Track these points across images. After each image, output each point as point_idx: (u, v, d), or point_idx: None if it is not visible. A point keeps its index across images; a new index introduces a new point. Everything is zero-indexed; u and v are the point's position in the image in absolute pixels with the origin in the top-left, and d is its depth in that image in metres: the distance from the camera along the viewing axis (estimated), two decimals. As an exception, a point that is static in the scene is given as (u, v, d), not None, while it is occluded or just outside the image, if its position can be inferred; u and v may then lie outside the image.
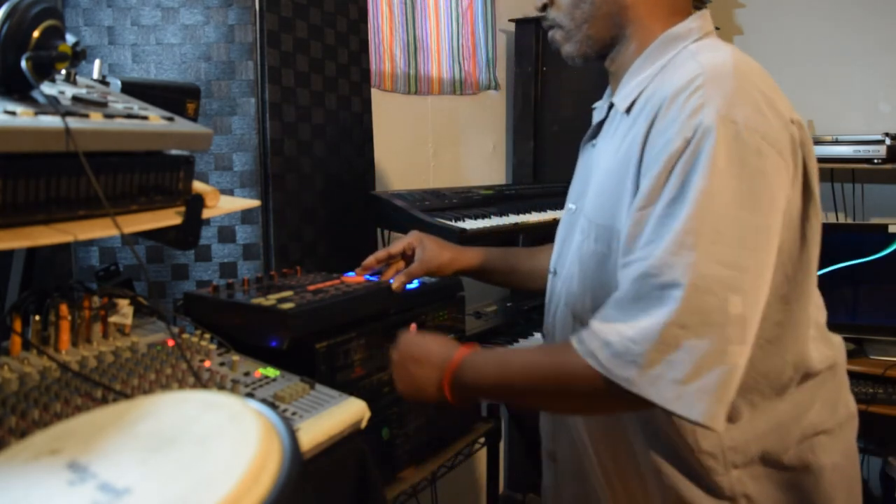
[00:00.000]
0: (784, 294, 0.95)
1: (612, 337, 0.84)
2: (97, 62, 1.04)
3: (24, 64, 0.70)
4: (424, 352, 1.04)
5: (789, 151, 0.89)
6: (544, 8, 1.09)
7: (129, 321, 1.00)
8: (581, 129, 1.16)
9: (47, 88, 0.77)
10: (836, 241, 2.35)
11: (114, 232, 0.74)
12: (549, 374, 0.93)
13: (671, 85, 0.91)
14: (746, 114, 0.86)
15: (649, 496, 1.03)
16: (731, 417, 0.96)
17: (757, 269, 0.84)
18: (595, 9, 1.03)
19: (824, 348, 1.02)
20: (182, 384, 0.90)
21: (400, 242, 1.35)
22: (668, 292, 0.81)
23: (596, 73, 1.11)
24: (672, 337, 0.80)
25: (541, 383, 0.94)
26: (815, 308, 1.02)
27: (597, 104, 1.16)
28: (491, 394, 1.06)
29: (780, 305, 0.95)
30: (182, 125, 0.86)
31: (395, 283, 1.27)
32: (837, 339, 1.07)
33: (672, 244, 0.82)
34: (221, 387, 0.92)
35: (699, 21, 1.02)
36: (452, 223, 1.65)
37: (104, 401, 0.81)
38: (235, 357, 1.00)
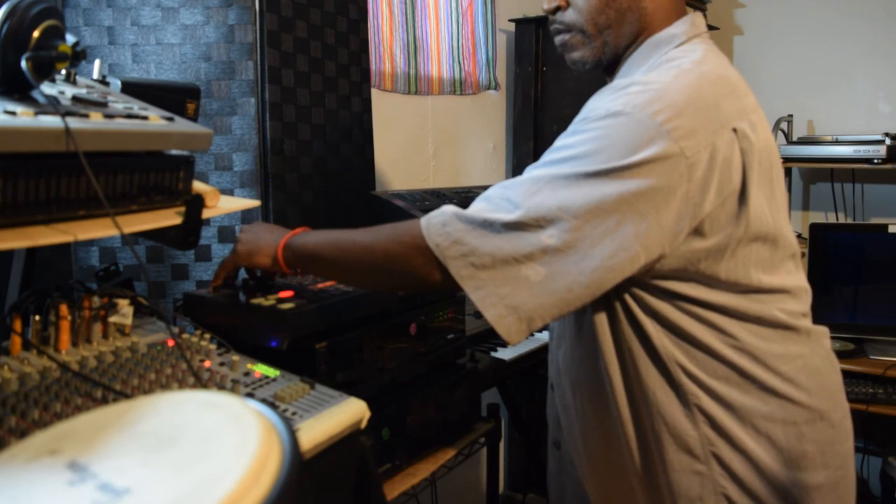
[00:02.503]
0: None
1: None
2: (97, 62, 1.04)
3: (24, 64, 0.70)
4: (276, 226, 1.16)
5: (695, 151, 0.90)
6: (555, 10, 1.06)
7: (129, 321, 1.00)
8: (581, 130, 1.16)
9: (47, 88, 0.77)
10: (837, 241, 2.36)
11: (114, 232, 0.74)
12: (381, 230, 1.02)
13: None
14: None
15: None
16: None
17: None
18: (619, 15, 1.02)
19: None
20: (182, 384, 0.89)
21: None
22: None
23: (596, 73, 1.11)
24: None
25: (372, 237, 1.01)
26: None
27: None
28: (321, 250, 1.08)
29: None
30: (182, 125, 0.86)
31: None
32: None
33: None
34: (221, 387, 0.92)
35: (685, 25, 1.02)
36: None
37: (104, 401, 0.80)
38: (235, 357, 1.00)
